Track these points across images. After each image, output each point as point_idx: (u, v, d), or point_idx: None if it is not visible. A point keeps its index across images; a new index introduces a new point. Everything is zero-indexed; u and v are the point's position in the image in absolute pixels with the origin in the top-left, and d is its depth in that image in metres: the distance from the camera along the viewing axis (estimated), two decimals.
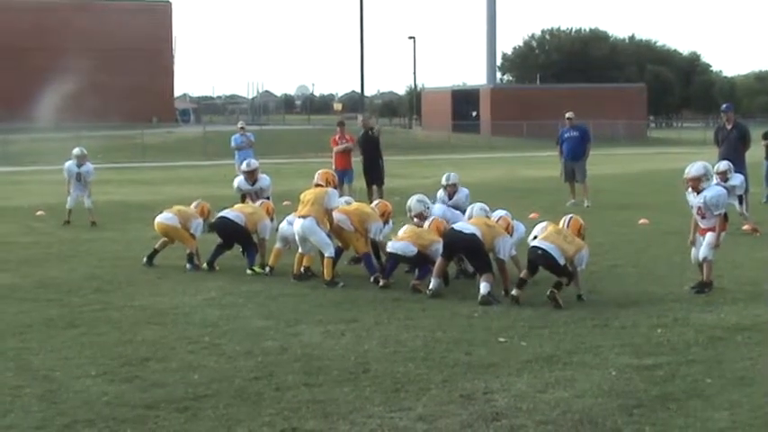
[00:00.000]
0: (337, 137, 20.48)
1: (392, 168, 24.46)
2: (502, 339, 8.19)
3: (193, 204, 12.98)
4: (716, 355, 7.55)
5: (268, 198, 13.90)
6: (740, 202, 15.12)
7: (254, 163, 14.77)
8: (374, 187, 19.99)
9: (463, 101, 76.76)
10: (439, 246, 10.48)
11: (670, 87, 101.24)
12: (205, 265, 12.10)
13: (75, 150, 18.16)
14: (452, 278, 10.93)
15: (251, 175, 14.32)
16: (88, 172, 17.82)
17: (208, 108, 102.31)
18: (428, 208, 11.72)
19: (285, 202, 17.93)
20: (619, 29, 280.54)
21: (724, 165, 14.14)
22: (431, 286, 10.22)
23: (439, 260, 10.31)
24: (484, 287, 9.76)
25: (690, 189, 10.45)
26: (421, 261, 10.68)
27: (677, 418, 6.02)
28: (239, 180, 14.60)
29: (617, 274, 11.68)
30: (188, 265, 12.13)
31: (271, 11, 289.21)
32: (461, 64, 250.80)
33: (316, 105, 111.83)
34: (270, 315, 9.32)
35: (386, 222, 11.85)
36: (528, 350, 7.80)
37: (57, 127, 52.21)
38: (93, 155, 21.25)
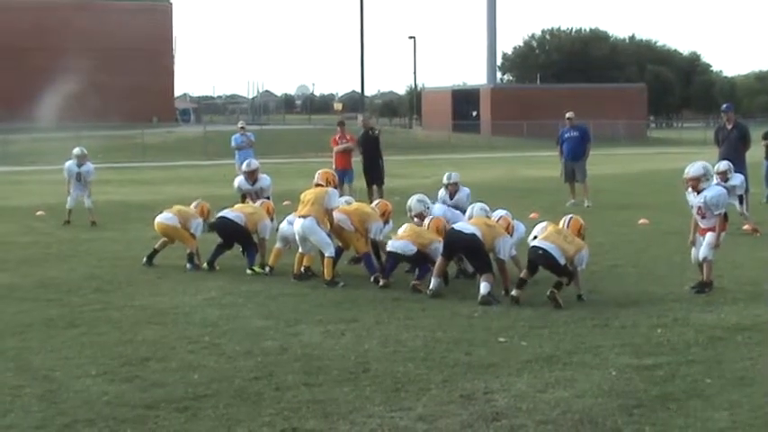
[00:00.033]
0: (338, 137, 20.47)
1: (392, 168, 24.46)
2: (502, 339, 8.19)
3: (193, 204, 12.98)
4: (716, 355, 7.55)
5: (268, 198, 13.91)
6: (740, 202, 15.12)
7: (255, 163, 14.77)
8: (374, 187, 19.99)
9: (463, 101, 76.76)
10: (439, 245, 10.48)
11: (670, 87, 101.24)
12: (205, 264, 12.10)
13: (76, 150, 18.17)
14: (452, 278, 10.93)
15: (251, 176, 14.33)
16: (88, 172, 17.82)
17: (208, 108, 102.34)
18: (428, 208, 11.73)
19: (285, 202, 17.93)
20: (619, 29, 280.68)
21: (724, 165, 14.14)
22: (431, 286, 10.22)
23: (439, 260, 10.31)
24: (484, 287, 9.76)
25: (690, 189, 10.45)
26: (420, 260, 10.69)
27: (677, 418, 6.02)
28: (240, 180, 14.60)
29: (617, 274, 11.68)
30: (188, 265, 12.13)
31: (271, 11, 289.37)
32: (461, 64, 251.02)
33: (316, 105, 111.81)
34: (270, 315, 9.32)
35: (386, 222, 11.85)
36: (528, 350, 7.80)
37: (57, 127, 52.22)
38: (93, 155, 21.24)
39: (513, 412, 6.18)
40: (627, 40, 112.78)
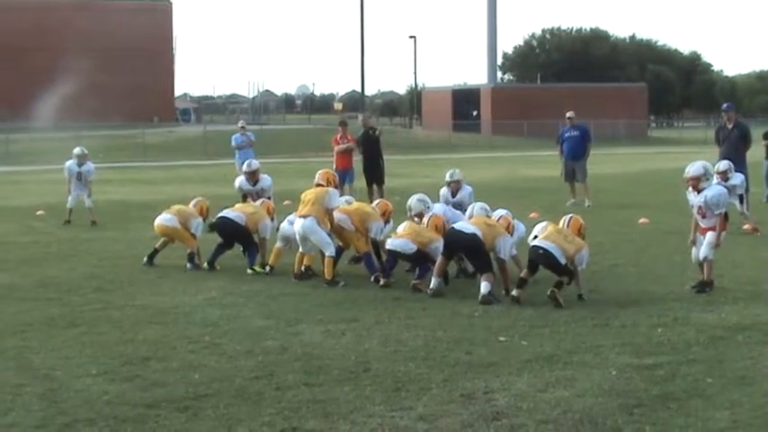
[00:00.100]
0: (339, 136, 20.47)
1: (392, 168, 24.47)
2: (502, 339, 8.19)
3: (192, 203, 12.97)
4: (716, 355, 7.55)
5: (269, 198, 13.91)
6: (741, 202, 15.13)
7: (256, 163, 14.77)
8: (374, 187, 20.00)
9: (464, 100, 76.76)
10: (439, 244, 10.48)
11: (671, 87, 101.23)
12: (206, 264, 12.11)
13: (76, 150, 18.17)
14: (453, 277, 10.93)
15: (252, 176, 14.33)
16: (89, 171, 17.83)
17: (208, 107, 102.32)
18: (428, 207, 11.72)
19: (286, 202, 17.93)
20: (619, 28, 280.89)
21: (724, 164, 14.13)
22: (431, 285, 10.22)
23: (439, 259, 10.31)
24: (484, 286, 9.76)
25: (690, 188, 10.45)
26: (420, 259, 10.68)
27: (678, 418, 6.02)
28: (240, 180, 14.61)
29: (617, 273, 11.68)
30: (189, 265, 12.13)
31: (271, 11, 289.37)
32: (462, 63, 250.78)
33: (316, 105, 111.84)
34: (270, 314, 9.32)
35: (386, 222, 11.85)
36: (528, 349, 7.80)
37: (57, 127, 52.22)
38: (93, 154, 21.25)
39: (513, 412, 6.18)
40: (627, 40, 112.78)
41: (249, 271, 11.77)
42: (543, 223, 10.41)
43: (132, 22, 73.22)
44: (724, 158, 14.95)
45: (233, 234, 12.18)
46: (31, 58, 68.09)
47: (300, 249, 11.29)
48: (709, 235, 10.28)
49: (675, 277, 11.08)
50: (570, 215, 10.46)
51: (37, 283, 11.29)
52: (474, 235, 10.05)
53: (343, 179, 18.01)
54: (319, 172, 11.94)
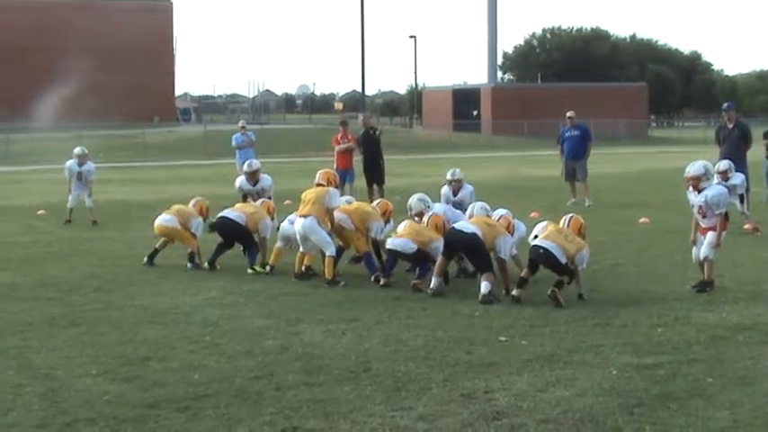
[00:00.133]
0: (339, 136, 20.48)
1: (393, 167, 24.46)
2: (503, 338, 8.19)
3: (192, 202, 12.97)
4: (717, 355, 7.55)
5: (270, 198, 13.91)
6: (741, 202, 15.12)
7: (256, 163, 14.77)
8: (375, 186, 20.00)
9: (464, 100, 76.74)
10: (439, 244, 10.48)
11: (671, 86, 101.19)
12: (206, 264, 12.11)
13: (77, 149, 18.17)
14: (453, 277, 10.93)
15: (253, 176, 14.33)
16: (89, 171, 17.83)
17: (209, 107, 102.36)
18: (429, 207, 11.72)
19: (286, 202, 17.93)
20: (620, 28, 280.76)
21: (725, 164, 14.12)
22: (431, 285, 10.22)
23: (439, 259, 10.31)
24: (485, 286, 9.76)
25: (691, 188, 10.45)
26: (420, 258, 10.68)
27: (678, 418, 6.02)
28: (241, 180, 14.60)
29: (618, 272, 11.68)
30: (189, 265, 12.14)
31: (271, 10, 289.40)
32: (462, 63, 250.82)
33: (316, 104, 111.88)
34: (270, 314, 9.32)
35: (387, 221, 11.85)
36: (529, 349, 7.80)
37: (57, 127, 52.23)
38: (94, 154, 21.24)
39: (513, 411, 6.18)
40: (628, 40, 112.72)
41: (249, 271, 11.78)
42: (544, 223, 10.41)
43: (132, 22, 73.23)
44: (724, 158, 14.94)
45: (233, 234, 12.18)
46: (31, 58, 68.11)
47: (301, 249, 11.30)
48: (710, 235, 10.28)
49: (676, 277, 11.08)
50: (571, 215, 10.46)
51: (38, 282, 11.30)
52: (474, 235, 10.05)
53: (343, 179, 18.01)
54: (320, 172, 11.94)
